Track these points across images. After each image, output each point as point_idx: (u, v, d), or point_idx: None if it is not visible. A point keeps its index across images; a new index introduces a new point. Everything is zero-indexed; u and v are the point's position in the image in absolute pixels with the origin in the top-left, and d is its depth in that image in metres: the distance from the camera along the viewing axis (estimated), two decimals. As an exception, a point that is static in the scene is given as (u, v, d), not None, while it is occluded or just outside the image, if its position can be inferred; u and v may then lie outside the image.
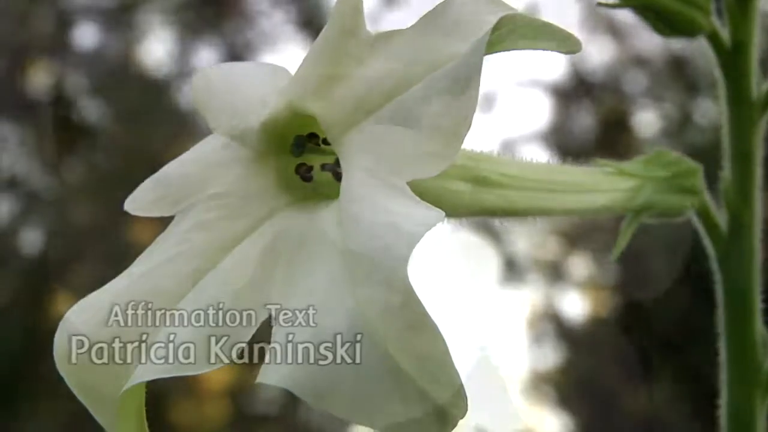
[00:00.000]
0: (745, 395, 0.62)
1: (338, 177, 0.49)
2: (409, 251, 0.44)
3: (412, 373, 0.44)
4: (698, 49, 0.65)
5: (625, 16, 2.04)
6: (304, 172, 0.52)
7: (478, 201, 0.55)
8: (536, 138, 2.91)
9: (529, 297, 3.38)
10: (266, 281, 0.49)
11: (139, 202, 0.54)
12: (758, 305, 0.62)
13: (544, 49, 0.48)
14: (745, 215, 0.62)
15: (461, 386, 0.44)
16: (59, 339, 0.50)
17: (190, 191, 0.52)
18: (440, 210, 0.45)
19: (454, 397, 0.44)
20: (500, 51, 0.48)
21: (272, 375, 0.45)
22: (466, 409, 0.44)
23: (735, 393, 0.62)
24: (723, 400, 0.62)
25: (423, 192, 0.46)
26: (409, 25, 0.49)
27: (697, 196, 0.62)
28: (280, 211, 0.51)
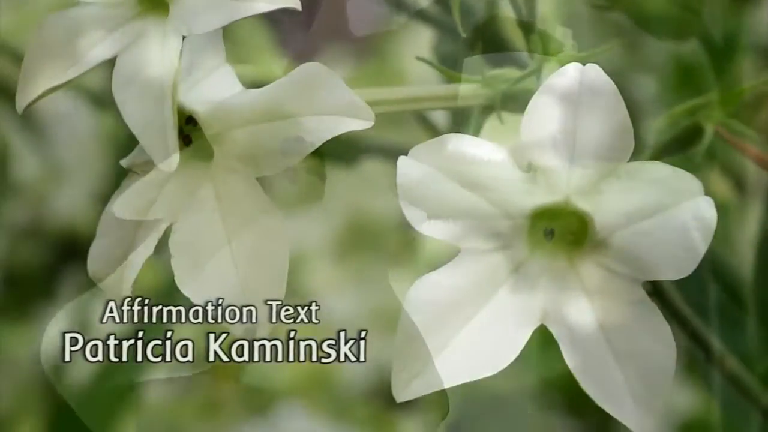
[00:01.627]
0: (740, 407, 0.62)
1: None
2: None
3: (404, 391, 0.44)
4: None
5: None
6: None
7: None
8: (545, 144, 2.91)
9: (540, 303, 3.36)
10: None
11: (127, 205, 0.53)
12: (753, 316, 0.62)
13: None
14: (739, 226, 0.62)
15: (447, 405, 0.44)
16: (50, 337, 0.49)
17: (182, 194, 0.52)
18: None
19: (439, 413, 0.44)
20: None
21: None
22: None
23: (729, 404, 0.62)
24: (717, 410, 0.62)
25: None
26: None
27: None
28: None
